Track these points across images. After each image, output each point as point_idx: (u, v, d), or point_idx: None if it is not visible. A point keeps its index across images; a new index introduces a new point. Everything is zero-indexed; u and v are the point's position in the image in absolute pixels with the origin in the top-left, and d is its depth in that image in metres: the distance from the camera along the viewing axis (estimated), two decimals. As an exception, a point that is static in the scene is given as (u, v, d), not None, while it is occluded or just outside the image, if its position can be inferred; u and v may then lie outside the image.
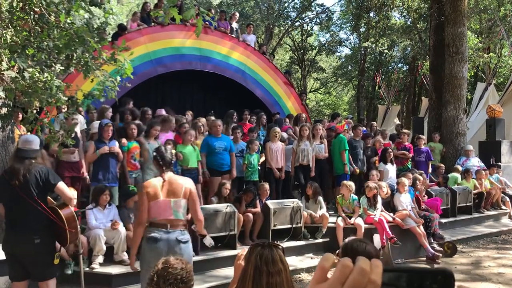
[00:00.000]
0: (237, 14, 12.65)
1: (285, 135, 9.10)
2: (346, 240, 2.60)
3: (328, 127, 10.19)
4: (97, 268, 5.58)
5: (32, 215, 3.92)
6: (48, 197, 4.22)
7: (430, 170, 10.77)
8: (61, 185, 4.10)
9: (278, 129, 8.60)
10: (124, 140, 6.90)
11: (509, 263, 7.20)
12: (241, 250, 2.43)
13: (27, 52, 4.34)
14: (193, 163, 7.34)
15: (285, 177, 8.51)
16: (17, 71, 4.08)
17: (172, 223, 3.85)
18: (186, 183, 3.99)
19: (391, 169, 9.21)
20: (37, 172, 3.96)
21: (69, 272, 5.36)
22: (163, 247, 3.76)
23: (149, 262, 3.61)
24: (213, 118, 8.72)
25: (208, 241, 4.39)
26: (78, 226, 4.53)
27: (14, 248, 3.95)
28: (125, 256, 5.68)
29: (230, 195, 7.15)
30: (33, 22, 4.43)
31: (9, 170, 4.00)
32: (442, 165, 11.12)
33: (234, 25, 12.24)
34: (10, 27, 4.29)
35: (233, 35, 11.89)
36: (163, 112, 8.92)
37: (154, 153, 4.12)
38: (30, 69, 4.08)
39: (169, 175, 4.00)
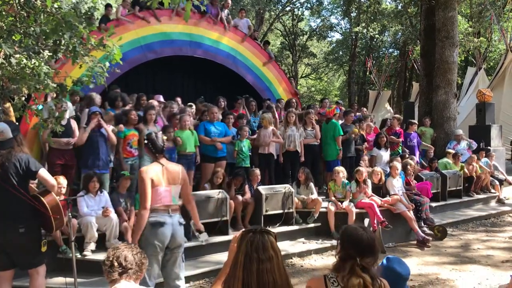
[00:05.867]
0: (229, 1, 12.42)
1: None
2: (345, 226, 2.61)
3: (318, 112, 10.18)
4: (89, 255, 5.56)
5: (14, 204, 3.86)
6: (31, 185, 4.17)
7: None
8: (43, 172, 4.05)
9: (266, 115, 8.58)
10: (121, 126, 6.86)
11: (498, 245, 7.31)
12: (237, 233, 2.43)
13: (13, 37, 4.27)
14: (191, 148, 7.33)
15: (277, 163, 8.54)
16: (4, 57, 4.01)
17: (172, 208, 4.04)
18: (181, 170, 4.19)
19: (385, 154, 9.28)
20: (16, 160, 3.88)
21: (70, 255, 5.30)
22: (168, 230, 3.96)
23: (155, 246, 3.91)
24: (210, 104, 8.67)
25: (204, 237, 4.37)
26: (69, 213, 4.51)
27: None
28: (117, 243, 5.67)
29: (223, 183, 7.13)
30: (19, 7, 4.35)
31: None
32: (432, 147, 11.19)
33: (225, 12, 12.06)
34: (-4, 12, 4.21)
35: (223, 21, 11.73)
36: (160, 98, 8.86)
37: (146, 141, 4.17)
38: (17, 55, 4.01)
39: (165, 161, 4.14)
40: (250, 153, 8.22)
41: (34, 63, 4.20)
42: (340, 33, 33.58)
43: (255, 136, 8.57)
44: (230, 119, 8.32)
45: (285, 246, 6.68)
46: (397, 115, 11.49)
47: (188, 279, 5.58)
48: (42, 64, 4.25)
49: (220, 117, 8.37)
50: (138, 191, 4.04)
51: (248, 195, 7.16)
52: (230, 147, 8.05)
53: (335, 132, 8.86)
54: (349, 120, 9.51)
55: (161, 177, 4.01)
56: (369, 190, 7.72)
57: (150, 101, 8.36)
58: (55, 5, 4.24)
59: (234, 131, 8.33)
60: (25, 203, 3.89)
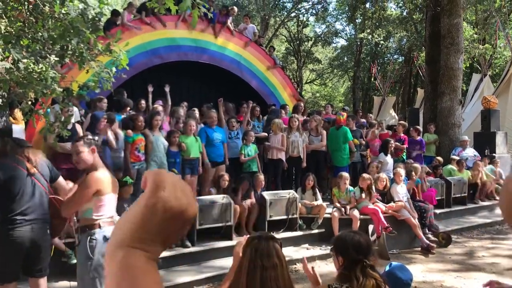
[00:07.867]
0: (235, 9, 12.49)
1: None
2: (339, 233, 2.64)
3: (323, 117, 10.19)
4: (93, 259, 5.57)
5: (45, 205, 3.81)
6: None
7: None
8: (61, 177, 4.10)
9: (276, 120, 8.59)
10: (129, 131, 6.88)
11: (503, 253, 7.27)
12: (242, 238, 2.43)
13: (21, 43, 4.31)
14: (195, 154, 7.34)
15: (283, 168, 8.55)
16: (12, 62, 4.04)
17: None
18: None
19: (390, 161, 9.28)
20: (44, 162, 3.91)
21: (74, 261, 5.31)
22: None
23: (98, 260, 3.35)
24: (212, 110, 8.71)
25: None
26: (75, 218, 4.52)
27: (27, 243, 3.65)
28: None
29: (229, 186, 7.15)
30: (28, 13, 4.39)
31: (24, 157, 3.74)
32: (440, 158, 11.16)
33: (230, 19, 12.14)
34: (4, 17, 4.25)
35: (230, 27, 11.80)
36: (160, 103, 8.90)
37: (89, 137, 3.70)
38: (25, 60, 4.05)
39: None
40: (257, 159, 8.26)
41: (41, 68, 4.24)
42: (345, 39, 33.62)
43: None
44: (233, 122, 8.36)
45: (289, 252, 6.67)
46: (402, 122, 11.48)
47: (191, 284, 5.59)
48: (49, 68, 4.28)
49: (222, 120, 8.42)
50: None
51: (252, 200, 7.17)
52: (237, 144, 8.14)
53: (345, 138, 8.87)
54: (351, 125, 9.53)
55: (110, 183, 3.54)
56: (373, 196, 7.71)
57: (155, 105, 8.40)
58: (63, 11, 4.28)
59: (241, 130, 8.41)
60: (48, 205, 3.87)
